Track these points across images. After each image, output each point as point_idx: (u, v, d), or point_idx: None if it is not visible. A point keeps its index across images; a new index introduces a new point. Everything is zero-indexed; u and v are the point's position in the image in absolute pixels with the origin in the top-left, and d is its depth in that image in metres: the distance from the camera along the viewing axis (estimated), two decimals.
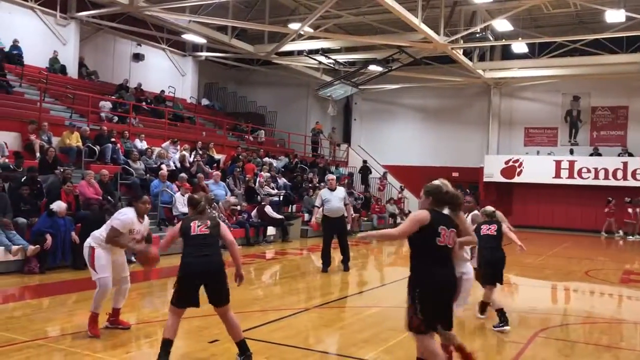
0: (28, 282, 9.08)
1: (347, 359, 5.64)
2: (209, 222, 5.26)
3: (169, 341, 4.96)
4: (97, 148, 14.83)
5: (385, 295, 9.67)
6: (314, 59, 23.47)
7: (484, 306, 7.18)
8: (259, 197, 17.05)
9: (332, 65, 23.96)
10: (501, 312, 6.71)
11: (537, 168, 23.86)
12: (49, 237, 9.65)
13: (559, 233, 22.71)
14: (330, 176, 12.05)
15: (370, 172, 25.82)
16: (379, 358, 5.63)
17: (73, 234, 10.19)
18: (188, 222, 5.23)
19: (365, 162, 25.98)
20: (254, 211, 16.10)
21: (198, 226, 5.16)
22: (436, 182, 4.59)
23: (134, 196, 6.55)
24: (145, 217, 6.26)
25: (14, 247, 9.48)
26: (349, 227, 12.14)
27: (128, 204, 7.53)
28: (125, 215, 5.97)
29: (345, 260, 11.26)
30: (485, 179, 24.60)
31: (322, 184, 20.15)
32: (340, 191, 11.36)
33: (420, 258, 4.34)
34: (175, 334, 5.04)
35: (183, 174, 15.02)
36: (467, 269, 5.81)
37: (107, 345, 5.73)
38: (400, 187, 25.46)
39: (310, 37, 21.18)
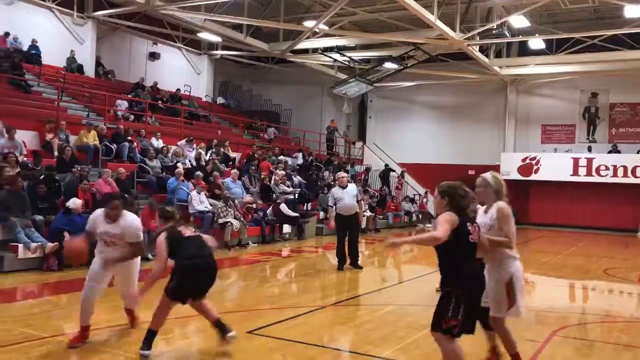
0: (47, 279, 9.18)
1: (363, 356, 5.62)
2: (192, 227, 5.65)
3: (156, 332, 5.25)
4: (113, 146, 14.94)
5: (401, 293, 9.63)
6: (329, 57, 23.46)
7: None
8: (274, 195, 17.08)
9: (347, 63, 23.92)
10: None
11: (555, 166, 23.63)
12: (66, 235, 9.73)
13: (576, 231, 22.47)
14: (340, 174, 11.98)
15: (390, 173, 25.62)
16: (395, 356, 5.60)
17: None
18: (174, 231, 5.38)
19: (387, 165, 25.82)
20: (270, 209, 16.13)
21: (189, 230, 5.50)
22: (455, 183, 4.40)
23: (106, 199, 6.17)
24: (126, 220, 5.67)
25: (33, 245, 9.59)
26: (362, 224, 12.06)
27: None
28: (92, 215, 5.86)
29: (354, 258, 11.21)
30: (502, 177, 24.38)
31: (335, 182, 20.15)
32: (352, 188, 11.31)
33: (455, 257, 4.21)
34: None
35: (199, 172, 15.09)
36: (516, 267, 4.80)
37: (124, 341, 5.78)
38: (425, 192, 25.11)
39: (325, 35, 21.16)
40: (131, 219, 5.68)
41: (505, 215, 4.71)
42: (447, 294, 4.17)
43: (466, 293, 4.12)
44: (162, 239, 5.27)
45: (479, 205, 5.02)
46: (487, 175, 4.95)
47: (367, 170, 25.64)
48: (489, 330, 4.99)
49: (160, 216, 5.72)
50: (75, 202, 10.25)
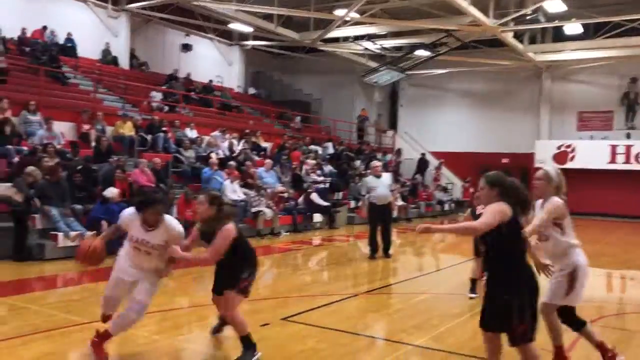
0: (85, 266, 9.37)
1: (397, 344, 5.63)
2: None
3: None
4: (149, 137, 15.18)
5: (435, 281, 9.59)
6: (360, 45, 23.31)
7: (473, 281, 7.55)
8: (305, 184, 17.13)
9: (378, 51, 23.74)
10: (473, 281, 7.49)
11: (591, 153, 23.08)
12: (104, 223, 9.96)
13: (614, 220, 21.98)
14: (375, 163, 11.92)
15: (428, 165, 25.40)
16: (429, 344, 5.59)
17: None
18: (236, 227, 4.96)
19: (423, 154, 25.63)
20: (301, 198, 16.20)
21: None
22: (502, 174, 4.03)
23: (141, 201, 4.87)
24: (165, 228, 4.80)
25: (72, 233, 9.84)
26: (395, 214, 12.03)
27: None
28: (125, 213, 4.95)
29: (387, 247, 11.20)
30: (536, 165, 23.98)
31: (367, 171, 20.09)
32: (387, 177, 11.26)
33: (510, 256, 3.84)
34: None
35: (232, 162, 15.24)
36: (580, 256, 4.70)
37: (161, 327, 5.90)
38: (465, 180, 24.83)
39: (356, 23, 21.03)
40: (172, 224, 4.85)
41: (554, 207, 4.53)
42: (505, 303, 3.77)
43: (525, 297, 3.79)
44: (232, 229, 4.83)
45: (540, 200, 4.87)
46: (550, 169, 4.74)
47: (398, 153, 25.43)
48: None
49: (218, 208, 4.89)
50: (112, 192, 10.46)
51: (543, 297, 4.62)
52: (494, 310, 3.85)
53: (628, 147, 22.61)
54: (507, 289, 3.78)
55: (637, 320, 7.29)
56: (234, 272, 4.83)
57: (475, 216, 6.71)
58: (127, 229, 4.87)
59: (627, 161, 22.49)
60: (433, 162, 25.70)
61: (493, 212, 3.73)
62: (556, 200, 4.60)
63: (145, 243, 4.77)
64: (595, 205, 23.31)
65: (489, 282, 3.96)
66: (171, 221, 4.87)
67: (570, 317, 4.78)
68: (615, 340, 5.99)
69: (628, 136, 23.21)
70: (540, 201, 4.79)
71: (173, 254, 4.82)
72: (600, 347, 4.79)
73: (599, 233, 17.24)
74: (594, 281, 10.31)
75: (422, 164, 25.24)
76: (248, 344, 4.76)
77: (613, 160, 22.76)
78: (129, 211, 4.88)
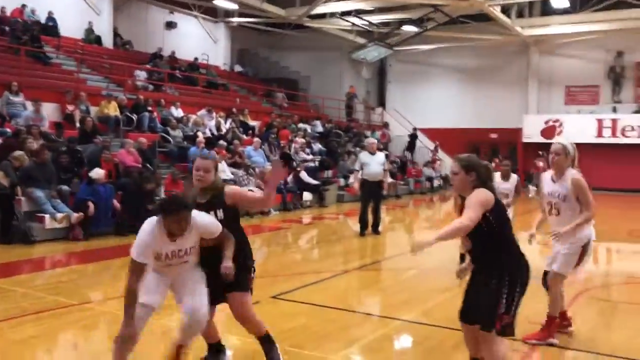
0: (73, 248, 9.35)
1: (387, 319, 5.67)
2: None
3: None
4: (134, 117, 15.03)
5: (424, 257, 9.61)
6: (347, 21, 23.08)
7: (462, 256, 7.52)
8: (294, 163, 17.08)
9: (365, 27, 23.54)
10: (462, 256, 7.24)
11: (579, 127, 23.16)
12: (91, 205, 9.88)
13: (600, 193, 22.08)
14: (370, 140, 11.90)
15: (417, 138, 25.53)
16: (419, 319, 5.64)
17: (115, 201, 10.43)
18: None
19: (415, 129, 25.66)
20: (290, 177, 16.17)
21: None
22: (475, 156, 3.72)
23: (160, 208, 3.79)
24: (197, 225, 3.76)
25: (59, 215, 9.76)
26: (384, 192, 12.07)
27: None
28: (142, 233, 3.69)
29: (376, 224, 11.24)
30: (524, 140, 24.10)
31: (357, 148, 20.06)
32: (380, 156, 11.27)
33: (499, 240, 3.55)
34: None
35: (222, 141, 15.13)
36: (591, 230, 4.89)
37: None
38: (435, 146, 25.04)
39: None
40: (203, 220, 3.82)
41: (582, 187, 4.65)
42: (496, 286, 3.46)
43: (518, 281, 3.49)
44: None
45: (547, 173, 4.91)
46: (566, 142, 4.83)
47: (385, 126, 25.42)
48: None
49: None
50: (98, 172, 10.37)
51: (553, 267, 4.78)
52: (478, 298, 3.53)
53: (614, 121, 22.76)
54: (498, 275, 3.48)
55: (622, 291, 7.39)
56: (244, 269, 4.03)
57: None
58: (153, 255, 3.72)
59: (614, 135, 22.65)
60: (424, 140, 25.76)
61: (476, 205, 3.41)
62: (581, 177, 4.71)
63: (178, 254, 3.76)
64: (584, 178, 23.49)
65: (477, 273, 3.68)
66: (198, 217, 3.78)
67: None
68: (599, 311, 6.08)
69: (614, 110, 23.33)
70: (547, 175, 4.88)
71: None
72: (562, 314, 5.07)
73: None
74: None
75: (412, 141, 25.27)
76: (270, 340, 4.08)
77: (600, 134, 22.92)
78: (145, 230, 3.68)
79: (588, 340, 4.99)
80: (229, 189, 4.11)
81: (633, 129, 22.39)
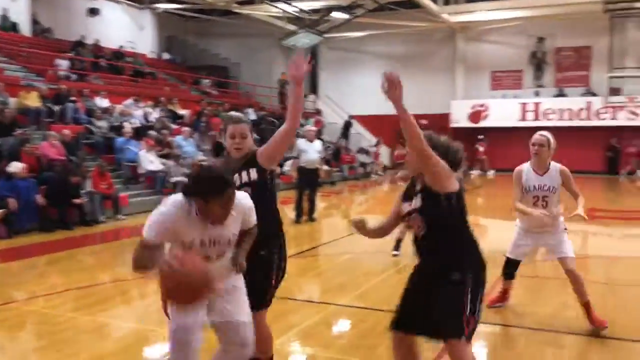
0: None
1: (322, 304, 5.70)
2: None
3: None
4: (56, 108, 14.38)
5: (359, 242, 9.71)
6: (276, 7, 22.89)
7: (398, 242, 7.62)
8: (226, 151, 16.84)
9: (295, 14, 23.42)
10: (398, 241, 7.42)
11: (503, 112, 24.04)
12: (11, 201, 9.41)
13: None
14: (308, 127, 11.93)
15: (351, 126, 25.77)
16: (353, 302, 5.70)
17: (38, 196, 9.98)
18: None
19: (350, 117, 25.88)
20: None
21: None
22: (435, 134, 3.35)
23: (199, 187, 2.87)
24: (237, 208, 3.00)
25: None
26: (321, 179, 12.16)
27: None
28: (158, 212, 2.91)
29: (311, 211, 11.30)
30: (452, 125, 24.73)
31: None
32: (318, 144, 11.32)
33: (461, 230, 3.11)
34: None
35: (152, 132, 14.72)
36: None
37: (80, 304, 5.68)
38: (377, 141, 25.39)
39: None
40: (248, 203, 3.14)
41: (570, 176, 4.92)
42: (458, 284, 2.96)
43: (481, 278, 3.04)
44: None
45: (525, 167, 5.14)
46: (548, 134, 4.97)
47: (318, 112, 25.55)
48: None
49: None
50: (17, 166, 9.89)
51: (567, 254, 4.92)
52: (443, 303, 2.97)
53: (537, 105, 23.71)
54: (459, 270, 2.99)
55: (547, 268, 7.72)
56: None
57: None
58: (169, 238, 2.93)
59: (537, 118, 23.60)
60: (357, 127, 26.08)
61: (446, 177, 3.02)
62: (562, 166, 4.98)
63: (218, 242, 3.00)
64: (508, 161, 24.31)
65: (427, 270, 3.15)
66: (242, 197, 3.10)
67: (515, 268, 5.31)
68: (528, 287, 6.35)
69: (537, 94, 24.33)
70: (526, 168, 5.06)
71: None
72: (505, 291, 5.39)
73: (510, 188, 18.05)
74: (505, 234, 10.81)
75: (347, 128, 25.49)
76: None
77: (524, 118, 23.82)
78: (169, 206, 2.90)
79: (516, 315, 5.21)
80: (260, 148, 3.55)
81: (554, 112, 23.41)
